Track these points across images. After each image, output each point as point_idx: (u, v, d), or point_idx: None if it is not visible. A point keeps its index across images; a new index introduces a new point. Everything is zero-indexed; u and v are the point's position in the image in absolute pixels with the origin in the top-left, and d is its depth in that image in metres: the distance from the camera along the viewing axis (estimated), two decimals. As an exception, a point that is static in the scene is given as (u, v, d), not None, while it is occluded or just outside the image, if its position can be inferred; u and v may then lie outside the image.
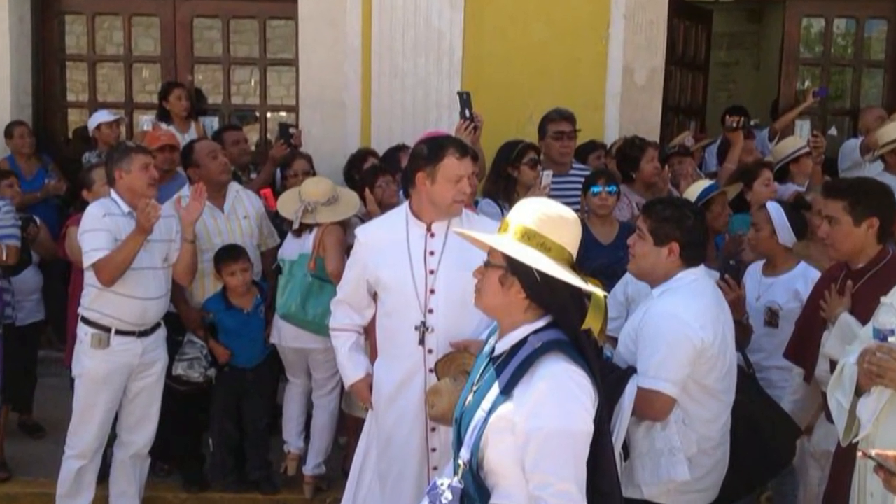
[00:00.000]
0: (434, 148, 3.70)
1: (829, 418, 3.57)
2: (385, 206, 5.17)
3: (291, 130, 6.51)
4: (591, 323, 2.52)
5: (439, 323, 3.70)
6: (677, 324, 3.31)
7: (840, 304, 3.77)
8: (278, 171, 6.33)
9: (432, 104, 6.91)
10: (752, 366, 4.15)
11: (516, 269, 2.54)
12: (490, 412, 2.51)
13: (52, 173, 6.93)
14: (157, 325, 4.94)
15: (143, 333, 4.84)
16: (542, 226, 2.56)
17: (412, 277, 3.71)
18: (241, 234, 5.50)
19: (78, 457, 4.88)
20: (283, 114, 9.13)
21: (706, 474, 3.48)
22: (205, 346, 5.28)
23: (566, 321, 2.55)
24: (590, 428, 2.47)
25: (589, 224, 5.14)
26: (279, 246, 5.56)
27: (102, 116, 7.11)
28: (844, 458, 3.36)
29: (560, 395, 2.44)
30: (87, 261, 4.64)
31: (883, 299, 3.21)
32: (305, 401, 5.62)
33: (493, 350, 2.68)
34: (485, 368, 2.68)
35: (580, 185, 5.43)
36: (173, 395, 5.19)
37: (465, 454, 2.57)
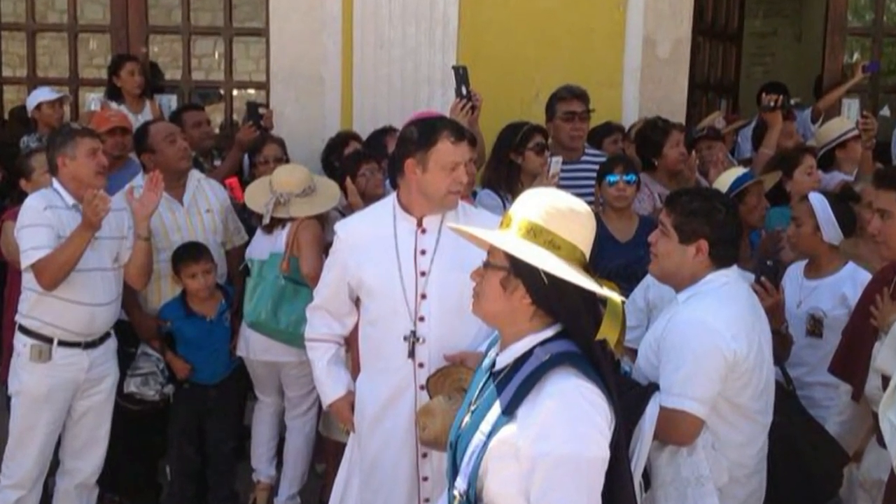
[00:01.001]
0: (426, 131, 3.70)
1: (882, 442, 3.57)
2: (369, 198, 5.18)
3: (261, 110, 6.52)
4: (607, 332, 2.52)
5: (432, 332, 3.71)
6: (706, 333, 3.31)
7: (894, 311, 3.77)
8: (246, 157, 6.33)
9: (423, 80, 6.90)
10: (792, 382, 4.15)
11: (520, 270, 2.54)
12: (490, 435, 2.50)
13: (-15, 160, 6.92)
14: (107, 336, 4.94)
15: (90, 345, 4.83)
16: (550, 220, 2.56)
17: (400, 280, 3.71)
18: (204, 230, 5.50)
19: (15, 487, 4.86)
20: (251, 91, 9.14)
21: (739, 507, 3.48)
22: (161, 359, 5.27)
23: (578, 330, 2.55)
24: (605, 453, 2.47)
25: (604, 218, 5.15)
26: (247, 244, 5.57)
27: (43, 95, 7.10)
28: (898, 488, 3.37)
29: (571, 415, 2.43)
30: (26, 261, 4.62)
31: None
32: (277, 422, 5.62)
33: (493, 364, 2.68)
34: (484, 385, 2.68)
35: (594, 174, 5.44)
36: (125, 416, 5.19)
37: (461, 484, 2.57)
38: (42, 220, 4.65)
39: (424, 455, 3.77)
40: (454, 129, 3.73)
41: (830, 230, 4.59)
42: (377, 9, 6.90)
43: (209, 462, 5.47)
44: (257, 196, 5.31)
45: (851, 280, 4.52)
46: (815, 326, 4.55)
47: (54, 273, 4.59)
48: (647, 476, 3.30)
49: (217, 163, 6.70)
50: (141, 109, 7.13)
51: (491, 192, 5.41)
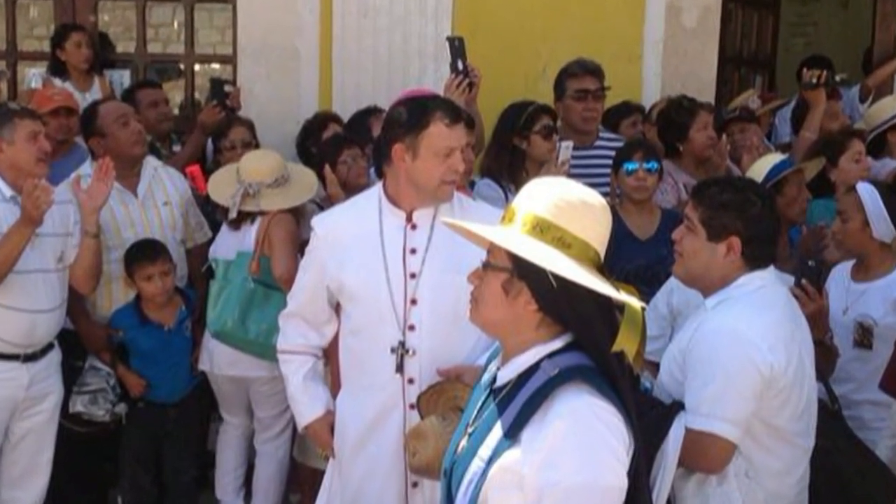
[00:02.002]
0: (416, 111, 3.70)
1: (939, 469, 3.59)
2: (351, 189, 5.18)
3: (227, 88, 6.52)
4: (625, 343, 2.51)
5: (423, 343, 3.71)
6: (738, 344, 3.31)
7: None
8: (210, 142, 6.32)
9: (414, 53, 6.91)
10: (837, 400, 4.16)
11: (525, 272, 2.53)
12: (490, 462, 2.50)
13: None
14: (49, 347, 4.94)
15: (30, 357, 4.83)
16: (559, 215, 2.56)
17: (387, 283, 3.71)
18: (161, 226, 5.50)
19: (-57, 522, 4.87)
20: (215, 66, 9.12)
21: (776, 543, 3.49)
22: (112, 374, 5.27)
23: (591, 341, 2.55)
24: (622, 482, 2.47)
25: (621, 212, 5.15)
26: (211, 241, 5.56)
27: (-24, 70, 7.11)
28: (958, 522, 3.37)
29: (583, 438, 2.43)
30: (-44, 261, 4.63)
31: None
32: (245, 447, 5.62)
33: (494, 379, 2.68)
34: (483, 403, 2.68)
35: (609, 161, 5.43)
36: (70, 440, 5.19)
37: (457, 517, 2.57)
38: (-26, 214, 4.66)
39: (415, 484, 3.78)
40: (449, 109, 3.72)
41: (881, 225, 4.59)
42: (360, -29, 6.92)
43: (167, 493, 5.48)
44: (223, 187, 5.31)
45: (905, 283, 4.54)
46: (864, 336, 4.55)
47: (-11, 275, 4.59)
48: (670, 508, 3.31)
49: (176, 148, 6.70)
50: (89, 87, 7.13)
51: (491, 182, 5.42)
